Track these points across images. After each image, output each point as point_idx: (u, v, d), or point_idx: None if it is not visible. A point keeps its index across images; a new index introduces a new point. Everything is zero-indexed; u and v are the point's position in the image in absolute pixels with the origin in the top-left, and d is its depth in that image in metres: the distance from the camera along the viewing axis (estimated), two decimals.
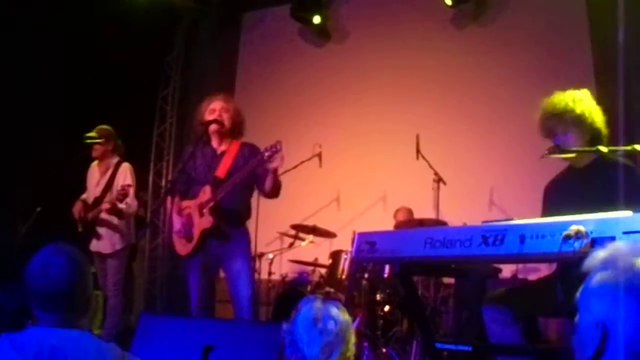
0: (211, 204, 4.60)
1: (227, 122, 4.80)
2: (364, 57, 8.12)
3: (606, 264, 1.50)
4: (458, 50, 7.56)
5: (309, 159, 7.09)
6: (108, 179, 6.26)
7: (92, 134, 6.28)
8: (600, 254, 1.55)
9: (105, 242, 6.16)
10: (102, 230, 6.17)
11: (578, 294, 1.55)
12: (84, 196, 6.44)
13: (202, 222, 4.66)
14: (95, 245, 6.18)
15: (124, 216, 6.14)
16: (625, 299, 1.43)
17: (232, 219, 4.71)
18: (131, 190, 5.97)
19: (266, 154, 4.39)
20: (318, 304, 2.46)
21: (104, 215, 6.12)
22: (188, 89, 9.38)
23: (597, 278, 1.50)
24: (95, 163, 6.44)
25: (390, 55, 7.93)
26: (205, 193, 4.68)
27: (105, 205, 6.00)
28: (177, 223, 4.79)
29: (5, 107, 6.79)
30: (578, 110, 3.46)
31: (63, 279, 2.24)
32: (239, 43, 9.26)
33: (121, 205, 5.95)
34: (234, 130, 4.87)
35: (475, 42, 7.53)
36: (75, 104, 7.12)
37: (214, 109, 4.83)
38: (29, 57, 7.01)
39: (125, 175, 6.25)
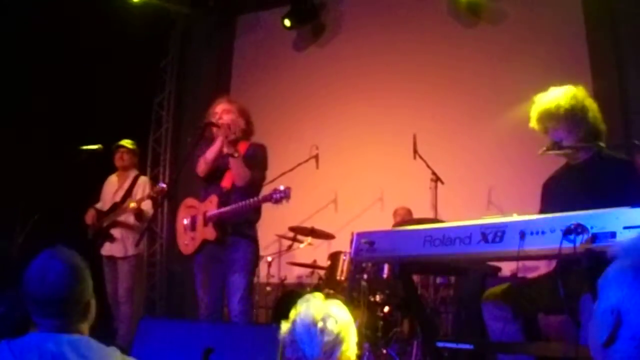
0: (215, 218, 4.61)
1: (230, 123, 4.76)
2: (360, 58, 8.11)
3: (629, 252, 1.47)
4: (454, 50, 7.56)
5: (305, 161, 7.07)
6: (127, 188, 6.57)
7: (125, 143, 6.71)
8: (625, 241, 1.53)
9: (119, 246, 6.41)
10: (117, 233, 6.43)
11: (600, 280, 1.53)
12: (97, 205, 6.69)
13: (206, 232, 4.66)
14: (108, 249, 6.44)
15: (144, 219, 6.38)
16: None
17: (236, 229, 4.67)
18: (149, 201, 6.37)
19: (275, 196, 4.40)
20: (318, 303, 2.43)
21: (121, 219, 6.41)
22: (183, 94, 9.35)
23: (618, 265, 1.47)
24: (114, 175, 6.79)
25: (387, 55, 7.92)
26: (212, 203, 4.69)
27: (133, 205, 6.25)
28: (181, 220, 4.82)
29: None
30: (568, 106, 3.46)
31: (61, 285, 2.22)
32: (234, 46, 9.25)
33: (145, 207, 6.31)
34: (241, 133, 4.82)
35: (472, 41, 7.53)
36: (71, 110, 7.09)
37: (216, 112, 4.82)
38: (22, 63, 6.99)
39: (145, 186, 6.61)
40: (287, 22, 8.29)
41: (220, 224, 4.62)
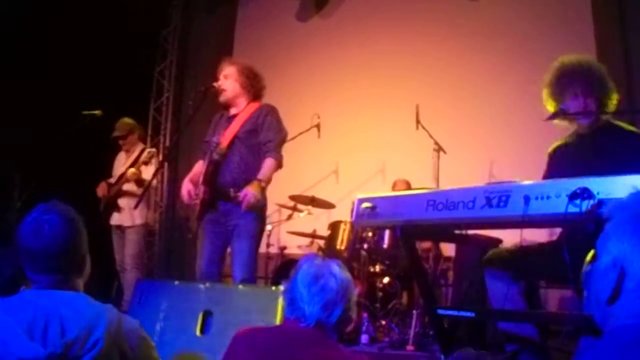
0: (203, 180, 4.54)
1: (229, 88, 4.71)
2: (363, 27, 8.03)
3: (626, 205, 1.46)
4: (459, 20, 7.48)
5: (307, 130, 7.02)
6: (133, 160, 6.60)
7: (117, 133, 6.75)
8: (619, 199, 1.51)
9: (126, 215, 6.57)
10: (123, 202, 6.58)
11: (598, 240, 1.49)
12: (109, 180, 6.81)
13: (202, 193, 4.59)
14: (117, 219, 6.62)
15: (144, 185, 6.34)
16: None
17: (235, 195, 4.51)
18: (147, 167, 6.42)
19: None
20: (319, 262, 2.39)
21: (125, 188, 6.52)
22: (185, 63, 9.29)
23: (616, 219, 1.45)
24: (122, 151, 6.89)
25: (390, 25, 7.85)
26: (203, 164, 4.65)
27: (132, 171, 6.30)
28: (184, 188, 4.69)
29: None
30: (592, 73, 3.42)
31: (56, 238, 2.16)
32: (237, 14, 9.15)
33: (144, 176, 6.33)
34: (246, 92, 4.77)
35: (476, 12, 7.45)
36: (71, 79, 7.03)
37: (219, 77, 4.76)
38: (23, 31, 6.93)
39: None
40: None
41: (212, 186, 4.55)
